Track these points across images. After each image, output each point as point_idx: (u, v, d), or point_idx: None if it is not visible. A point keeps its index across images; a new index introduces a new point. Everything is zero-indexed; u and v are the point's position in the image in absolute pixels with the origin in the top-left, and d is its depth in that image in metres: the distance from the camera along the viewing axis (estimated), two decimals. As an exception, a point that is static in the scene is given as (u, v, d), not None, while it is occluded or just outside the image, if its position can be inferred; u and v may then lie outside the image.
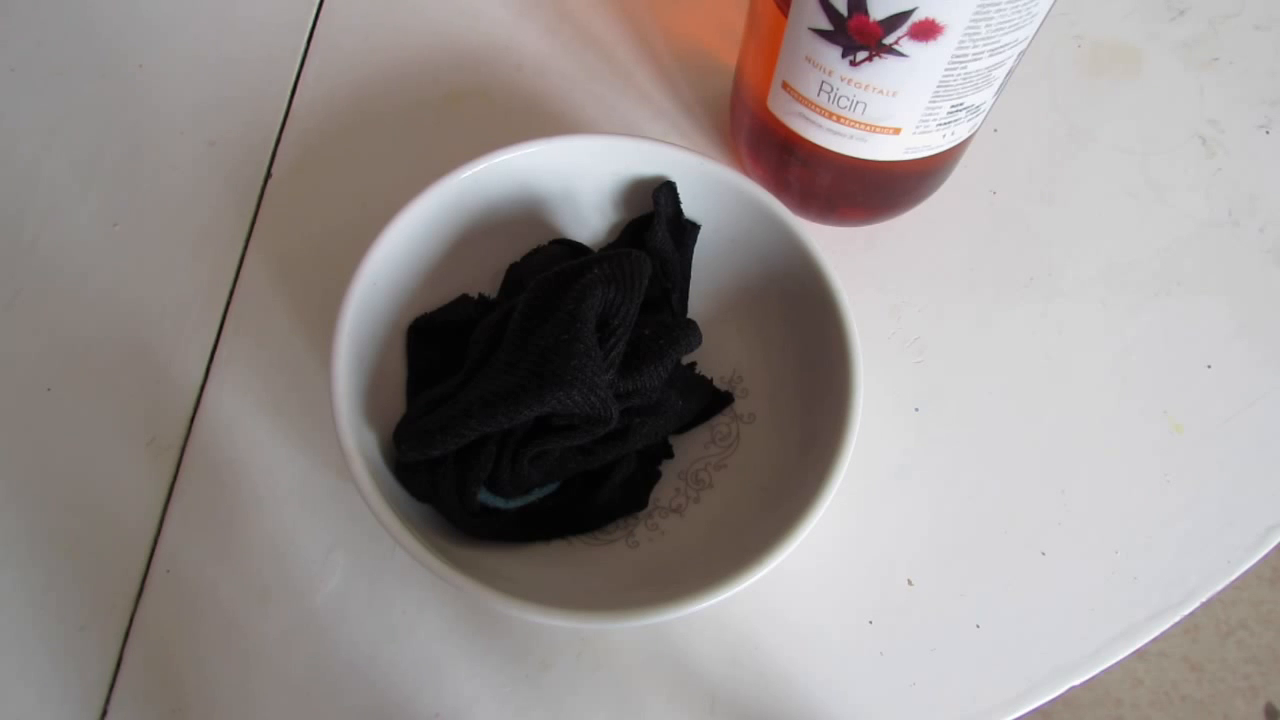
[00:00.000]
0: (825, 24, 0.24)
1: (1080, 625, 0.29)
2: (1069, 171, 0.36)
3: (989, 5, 0.22)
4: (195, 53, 0.38)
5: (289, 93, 0.37)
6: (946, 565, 0.30)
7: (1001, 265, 0.35)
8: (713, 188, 0.30)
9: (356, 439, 0.25)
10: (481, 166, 0.28)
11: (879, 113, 0.26)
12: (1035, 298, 0.34)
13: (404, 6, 0.39)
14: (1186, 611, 0.30)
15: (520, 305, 0.27)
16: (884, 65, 0.25)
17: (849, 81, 0.26)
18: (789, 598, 0.29)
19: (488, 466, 0.26)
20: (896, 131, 0.27)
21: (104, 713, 0.28)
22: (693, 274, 0.31)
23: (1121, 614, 0.30)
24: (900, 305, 0.34)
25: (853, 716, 0.28)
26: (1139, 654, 0.45)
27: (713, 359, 0.31)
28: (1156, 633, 0.29)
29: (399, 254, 0.28)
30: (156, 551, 0.30)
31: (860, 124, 0.27)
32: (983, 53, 0.24)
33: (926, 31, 0.23)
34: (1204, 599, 0.30)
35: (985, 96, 0.27)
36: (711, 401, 0.30)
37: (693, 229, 0.31)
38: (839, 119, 0.27)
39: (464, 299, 0.30)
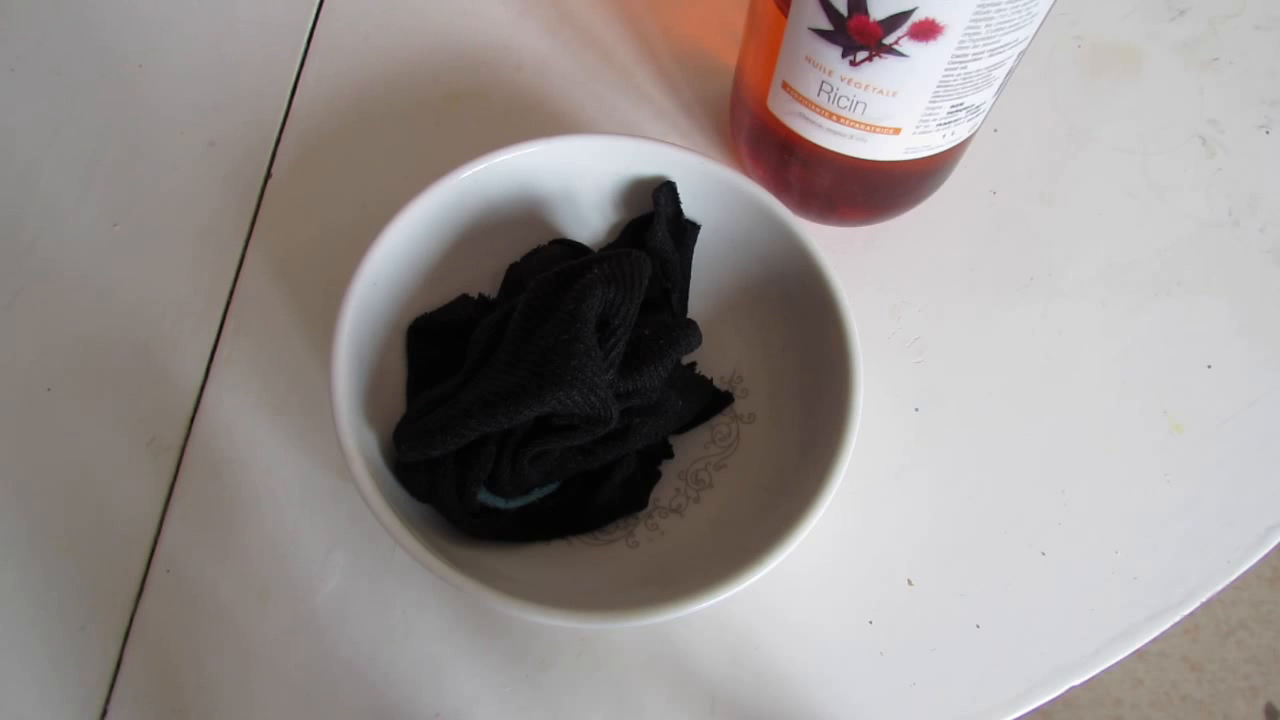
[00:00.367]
0: (825, 24, 0.24)
1: (1080, 625, 0.29)
2: (1069, 171, 0.36)
3: (989, 5, 0.22)
4: (195, 53, 0.38)
5: (289, 93, 0.37)
6: (946, 565, 0.30)
7: (1001, 265, 0.35)
8: (713, 188, 0.30)
9: (356, 439, 0.25)
10: (481, 166, 0.28)
11: (879, 113, 0.26)
12: (1035, 298, 0.34)
13: (404, 7, 0.39)
14: (1186, 611, 0.30)
15: (520, 305, 0.27)
16: (884, 65, 0.25)
17: (849, 81, 0.26)
18: (789, 598, 0.29)
19: (488, 466, 0.26)
20: (896, 131, 0.27)
21: (104, 713, 0.28)
22: (693, 274, 0.31)
23: (1121, 614, 0.30)
24: (900, 305, 0.34)
25: (853, 716, 0.28)
26: (1139, 654, 0.45)
27: (713, 359, 0.31)
28: (1156, 633, 0.29)
29: (399, 254, 0.28)
30: (156, 551, 0.30)
31: (860, 124, 0.27)
32: (983, 53, 0.24)
33: (926, 31, 0.23)
34: (1204, 599, 0.30)
35: (985, 96, 0.27)
36: (711, 401, 0.30)
37: (693, 229, 0.31)
38: (839, 119, 0.27)
39: (464, 299, 0.30)
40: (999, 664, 0.29)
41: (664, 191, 0.29)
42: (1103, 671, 0.29)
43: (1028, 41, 0.25)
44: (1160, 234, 0.35)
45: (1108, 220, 0.36)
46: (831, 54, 0.25)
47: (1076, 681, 0.29)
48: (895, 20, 0.23)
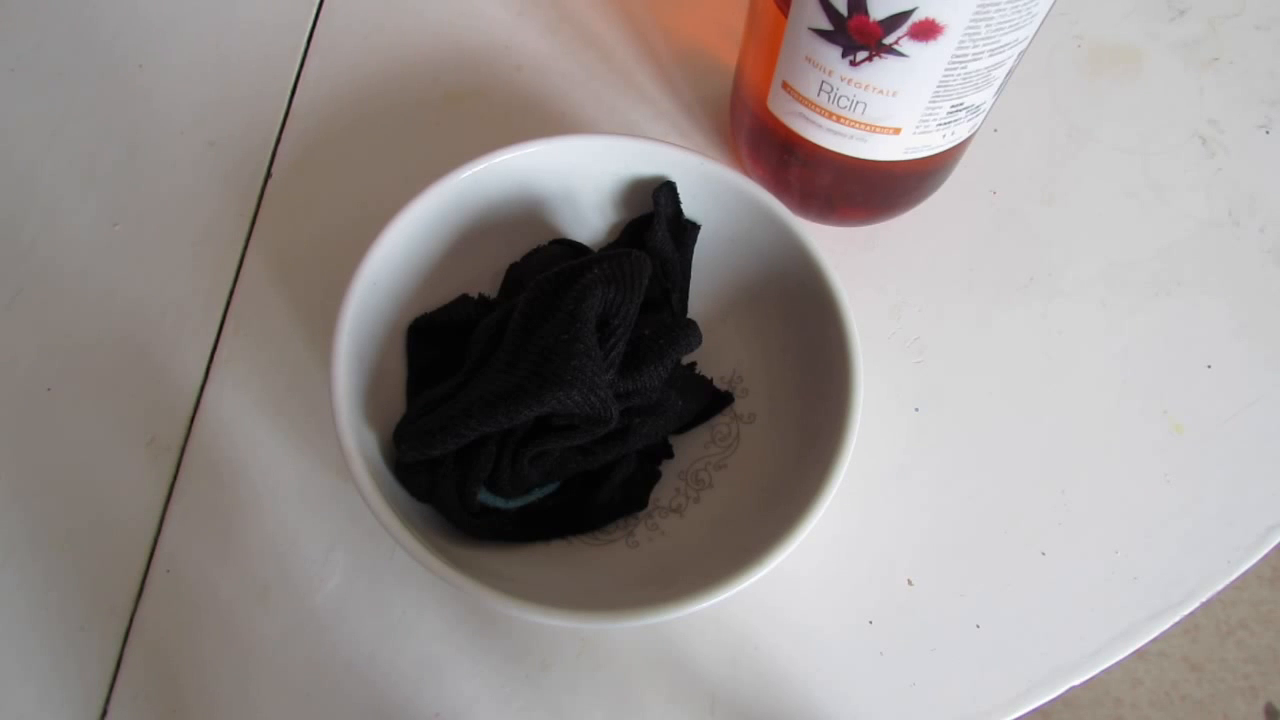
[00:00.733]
0: (825, 24, 0.24)
1: (1080, 625, 0.29)
2: (1069, 171, 0.36)
3: (989, 5, 0.22)
4: (195, 53, 0.38)
5: (289, 93, 0.37)
6: (946, 565, 0.30)
7: (1001, 265, 0.35)
8: (713, 188, 0.30)
9: (356, 439, 0.25)
10: (481, 166, 0.28)
11: (879, 113, 0.26)
12: (1035, 298, 0.34)
13: (404, 7, 0.39)
14: (1186, 611, 0.30)
15: (520, 305, 0.27)
16: (884, 65, 0.25)
17: (849, 81, 0.26)
18: (789, 598, 0.29)
19: (488, 466, 0.26)
20: (896, 131, 0.27)
21: (104, 713, 0.28)
22: (693, 274, 0.31)
23: (1121, 614, 0.30)
24: (900, 305, 0.34)
25: (853, 716, 0.28)
26: (1139, 654, 0.45)
27: (713, 359, 0.31)
28: (1156, 633, 0.29)
29: (399, 254, 0.28)
30: (156, 551, 0.30)
31: (860, 124, 0.27)
32: (983, 53, 0.24)
33: (926, 31, 0.23)
34: (1204, 599, 0.30)
35: (985, 96, 0.27)
36: (711, 401, 0.30)
37: (693, 229, 0.31)
38: (839, 119, 0.27)
39: (464, 299, 0.30)
40: (999, 664, 0.29)
41: (664, 191, 0.29)
42: (1103, 671, 0.29)
43: (1028, 41, 0.25)
44: (1160, 234, 0.35)
45: (1108, 220, 0.36)
46: (831, 54, 0.25)
47: (1076, 681, 0.29)
48: (895, 20, 0.23)
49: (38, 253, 0.34)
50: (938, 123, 0.27)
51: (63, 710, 0.28)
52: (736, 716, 0.28)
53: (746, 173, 0.31)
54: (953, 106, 0.26)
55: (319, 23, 0.38)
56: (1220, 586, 0.30)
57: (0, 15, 0.38)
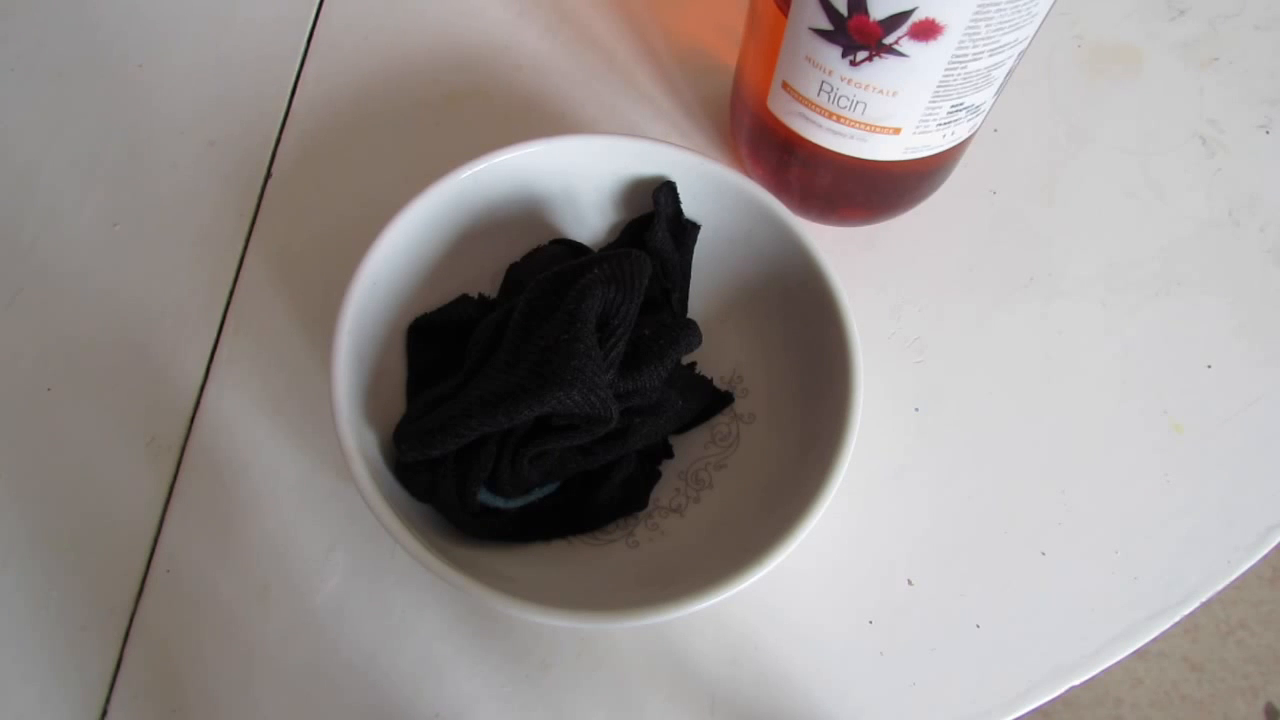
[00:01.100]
0: (825, 24, 0.24)
1: (1080, 625, 0.29)
2: (1069, 171, 0.36)
3: (989, 5, 0.22)
4: (195, 53, 0.38)
5: (289, 93, 0.37)
6: (946, 565, 0.30)
7: (1001, 265, 0.35)
8: (713, 188, 0.30)
9: (356, 439, 0.25)
10: (481, 166, 0.28)
11: (879, 113, 0.26)
12: (1035, 298, 0.34)
13: (404, 6, 0.39)
14: (1186, 611, 0.30)
15: (520, 305, 0.27)
16: (884, 65, 0.25)
17: (849, 81, 0.26)
18: (789, 598, 0.29)
19: (488, 466, 0.26)
20: (896, 131, 0.27)
21: (104, 713, 0.28)
22: (693, 274, 0.31)
23: (1121, 614, 0.29)
24: (900, 305, 0.34)
25: (853, 716, 0.28)
26: (1139, 654, 0.45)
27: (713, 359, 0.31)
28: (1156, 633, 0.29)
29: (399, 254, 0.28)
30: (156, 551, 0.30)
31: (860, 124, 0.27)
32: (983, 53, 0.24)
33: (926, 31, 0.23)
34: (1204, 599, 0.30)
35: (985, 96, 0.27)
36: (711, 401, 0.30)
37: (693, 229, 0.31)
38: (839, 119, 0.27)
39: (464, 299, 0.30)
40: (999, 664, 0.29)
41: (664, 191, 0.29)
42: (1103, 671, 0.29)
43: (1028, 41, 0.25)
44: (1160, 234, 0.35)
45: (1108, 220, 0.36)
46: (831, 54, 0.25)
47: (1076, 681, 0.29)
48: (895, 20, 0.23)
49: (38, 253, 0.34)
50: (938, 123, 0.27)
51: (63, 710, 0.28)
52: (736, 716, 0.28)
53: (746, 173, 0.31)
54: (953, 106, 0.26)
55: (319, 23, 0.38)
56: (1220, 586, 0.30)
57: (0, 15, 0.38)
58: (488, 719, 0.28)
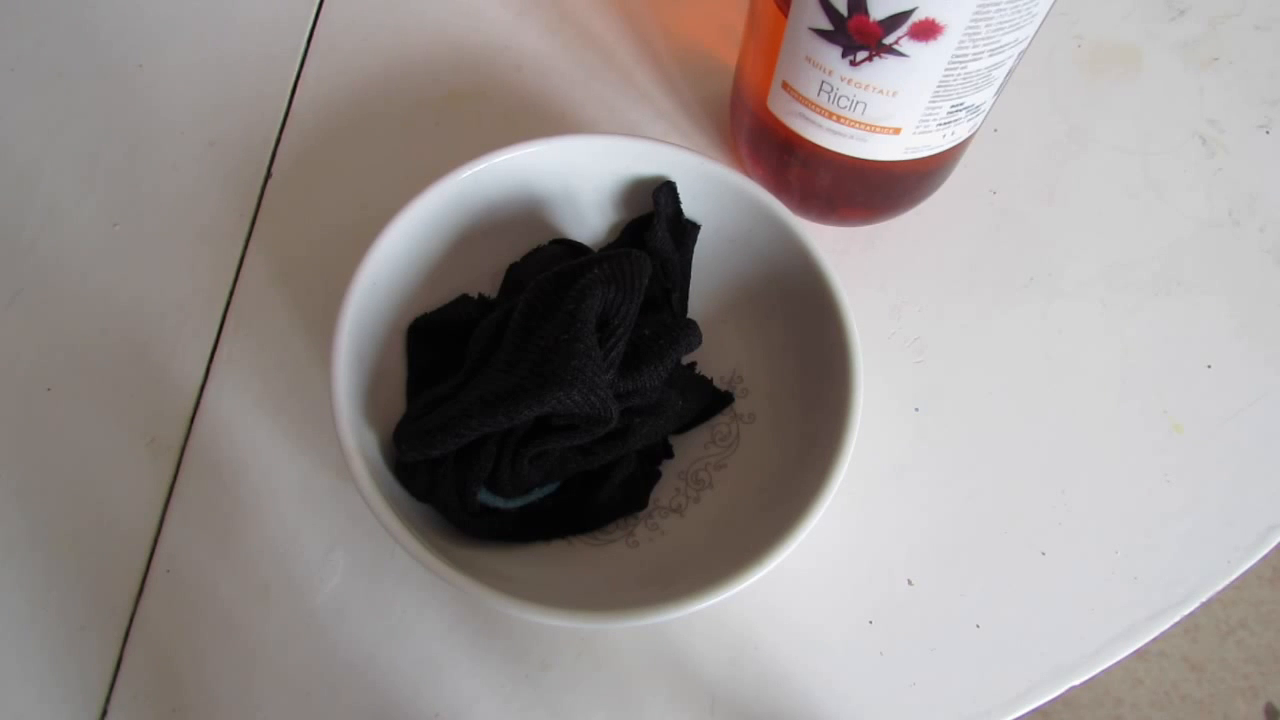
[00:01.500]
0: (825, 24, 0.24)
1: (1080, 625, 0.29)
2: (1069, 171, 0.36)
3: (989, 5, 0.22)
4: (195, 53, 0.38)
5: (289, 93, 0.37)
6: (946, 565, 0.30)
7: (1001, 265, 0.35)
8: (713, 188, 0.30)
9: (356, 439, 0.25)
10: (481, 166, 0.28)
11: (879, 113, 0.26)
12: (1035, 298, 0.34)
13: (404, 7, 0.39)
14: (1186, 611, 0.30)
15: (520, 305, 0.27)
16: (884, 65, 0.25)
17: (849, 81, 0.26)
18: (789, 598, 0.29)
19: (488, 466, 0.26)
20: (896, 131, 0.27)
21: (104, 713, 0.28)
22: (693, 274, 0.31)
23: (1121, 614, 0.30)
24: (900, 305, 0.34)
25: (853, 716, 0.28)
26: (1139, 654, 0.45)
27: (713, 359, 0.31)
28: (1156, 633, 0.29)
29: (399, 254, 0.28)
30: (156, 551, 0.30)
31: (860, 124, 0.27)
32: (983, 53, 0.24)
33: (926, 31, 0.23)
34: (1204, 599, 0.30)
35: (985, 96, 0.27)
36: (711, 401, 0.30)
37: (693, 229, 0.31)
38: (839, 119, 0.27)
39: (464, 299, 0.30)
40: (999, 664, 0.29)
41: (664, 191, 0.29)
42: (1103, 671, 0.29)
43: (1028, 41, 0.25)
44: (1160, 234, 0.35)
45: (1108, 220, 0.36)
46: (831, 54, 0.25)
47: (1076, 681, 0.29)
48: (895, 20, 0.23)
49: (38, 253, 0.34)
50: (938, 123, 0.27)
51: (63, 710, 0.28)
52: (736, 716, 0.28)
53: (746, 173, 0.31)
54: (953, 106, 0.26)
55: (319, 23, 0.38)
56: (1220, 586, 0.30)
57: (0, 15, 0.38)
58: (487, 719, 0.28)
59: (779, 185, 0.32)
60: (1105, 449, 0.32)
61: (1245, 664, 0.93)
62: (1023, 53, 0.26)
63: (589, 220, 0.32)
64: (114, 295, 0.33)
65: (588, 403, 0.25)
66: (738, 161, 0.35)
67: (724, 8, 0.39)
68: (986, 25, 0.23)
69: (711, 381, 0.31)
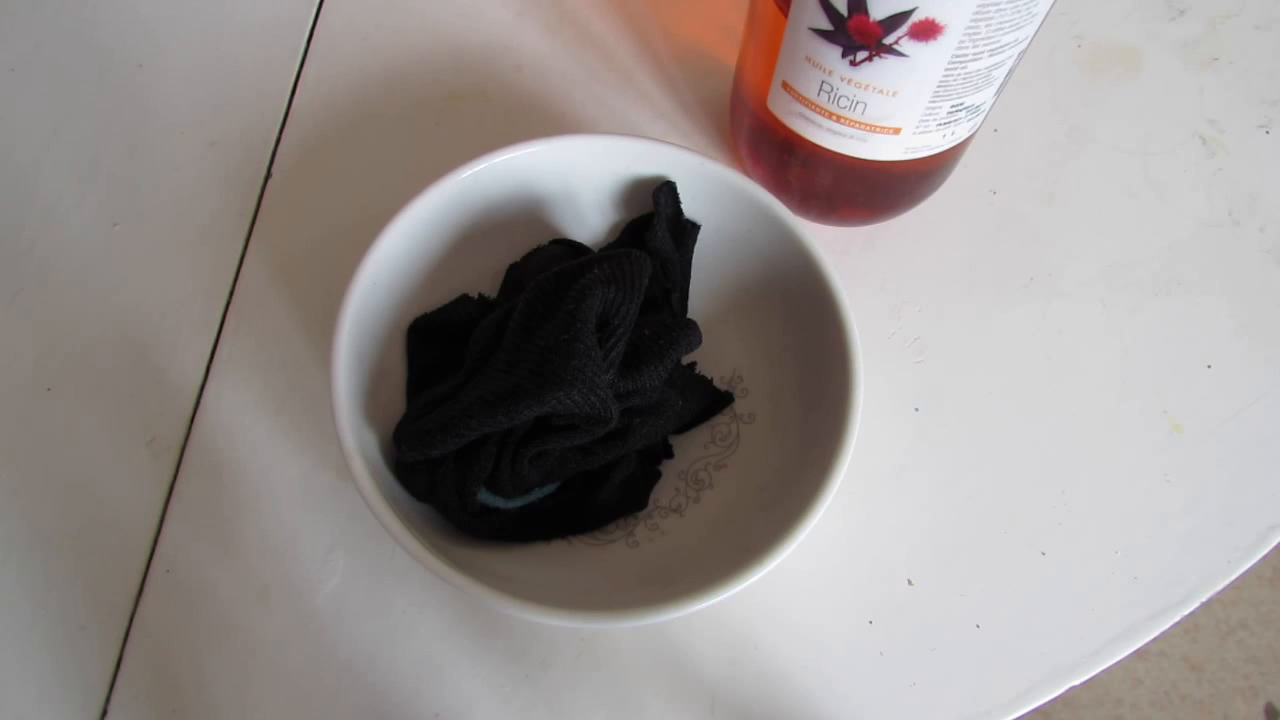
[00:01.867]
0: (825, 24, 0.24)
1: (1080, 625, 0.29)
2: (1069, 171, 0.36)
3: (989, 5, 0.22)
4: (195, 53, 0.38)
5: (289, 93, 0.37)
6: (946, 565, 0.30)
7: (1001, 265, 0.35)
8: (713, 188, 0.30)
9: (356, 439, 0.25)
10: (481, 166, 0.28)
11: (879, 113, 0.26)
12: (1035, 298, 0.34)
13: (404, 7, 0.39)
14: (1186, 611, 0.30)
15: (520, 305, 0.27)
16: (884, 65, 0.25)
17: (849, 81, 0.26)
18: (789, 598, 0.29)
19: (488, 466, 0.26)
20: (896, 131, 0.27)
21: (104, 713, 0.28)
22: (693, 274, 0.31)
23: (1121, 614, 0.30)
24: (900, 305, 0.34)
25: (853, 716, 0.28)
26: (1139, 654, 0.45)
27: (713, 359, 0.31)
28: (1156, 633, 0.29)
29: (399, 254, 0.28)
30: (156, 551, 0.30)
31: (860, 124, 0.27)
32: (983, 53, 0.24)
33: (926, 31, 0.23)
34: (1204, 599, 0.30)
35: (985, 96, 0.27)
36: (711, 401, 0.30)
37: (693, 229, 0.31)
38: (839, 119, 0.27)
39: (464, 299, 0.30)
40: (999, 664, 0.29)
41: (664, 191, 0.29)
42: (1103, 671, 0.29)
43: (1028, 41, 0.25)
44: (1160, 234, 0.35)
45: (1108, 220, 0.36)
46: (831, 54, 0.25)
47: (1076, 681, 0.29)
48: (895, 20, 0.23)
49: (38, 253, 0.34)
50: (938, 123, 0.27)
51: (63, 710, 0.28)
52: (736, 716, 0.28)
53: (746, 173, 0.31)
54: (953, 106, 0.26)
55: (319, 23, 0.38)
56: (1220, 586, 0.30)
57: (0, 15, 0.38)
58: (488, 719, 0.28)
59: (779, 185, 0.32)
60: (1105, 449, 0.32)
61: (1245, 664, 0.93)
62: (1023, 53, 0.26)
63: (589, 220, 0.32)
64: (114, 295, 0.33)
65: (588, 403, 0.25)
66: (738, 161, 0.35)
67: (724, 8, 0.39)
68: (986, 25, 0.23)
69: (711, 381, 0.31)
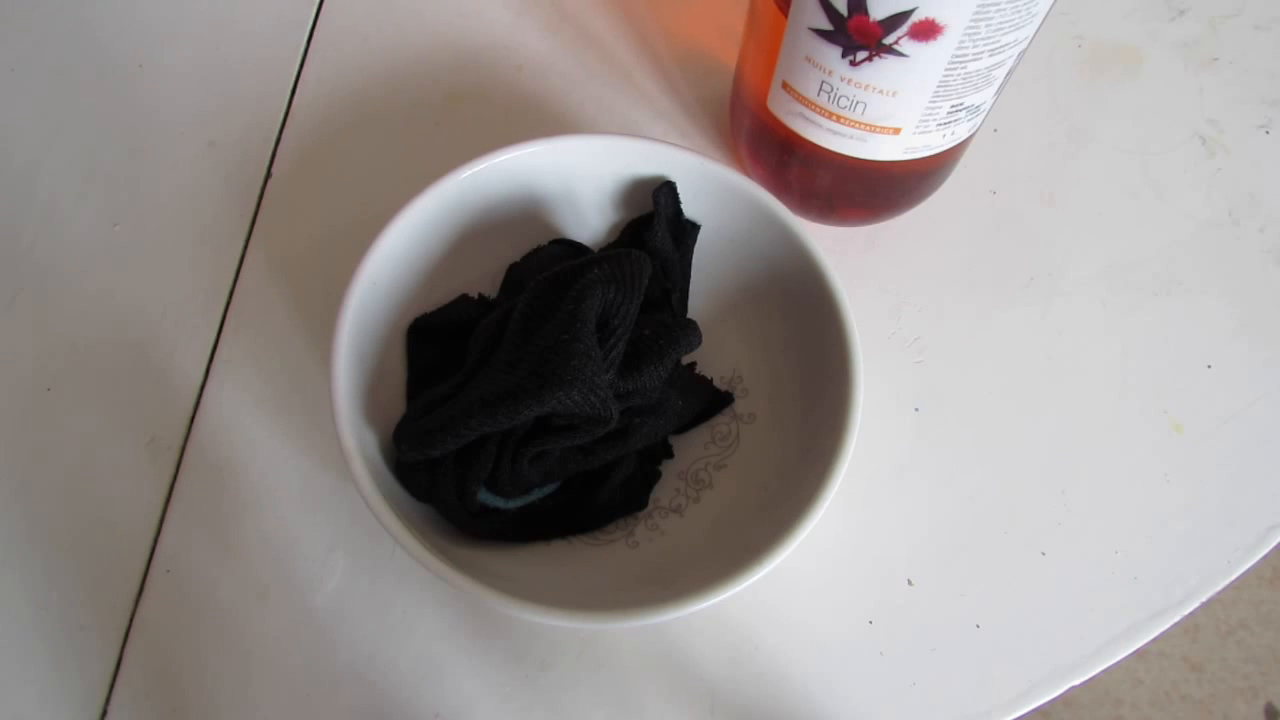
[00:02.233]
0: (825, 24, 0.24)
1: (1080, 625, 0.29)
2: (1069, 171, 0.36)
3: (989, 5, 0.22)
4: (195, 53, 0.38)
5: (289, 93, 0.37)
6: (946, 565, 0.30)
7: (1001, 265, 0.35)
8: (713, 188, 0.30)
9: (356, 439, 0.25)
10: (481, 166, 0.28)
11: (879, 113, 0.26)
12: (1035, 298, 0.34)
13: (404, 7, 0.39)
14: (1186, 611, 0.30)
15: (520, 305, 0.27)
16: (884, 65, 0.25)
17: (849, 81, 0.26)
18: (789, 598, 0.29)
19: (488, 466, 0.26)
20: (896, 131, 0.27)
21: (104, 713, 0.28)
22: (693, 274, 0.31)
23: (1121, 614, 0.30)
24: (900, 305, 0.34)
25: (853, 716, 0.28)
26: (1139, 654, 0.45)
27: (713, 359, 0.31)
28: (1156, 633, 0.29)
29: (399, 254, 0.28)
30: (156, 551, 0.30)
31: (860, 124, 0.27)
32: (983, 53, 0.24)
33: (926, 31, 0.23)
34: (1204, 599, 0.30)
35: (985, 96, 0.27)
36: (711, 401, 0.30)
37: (693, 229, 0.31)
38: (839, 119, 0.27)
39: (464, 299, 0.30)
40: (999, 664, 0.29)
41: (664, 191, 0.29)
42: (1103, 671, 0.29)
43: (1028, 41, 0.25)
44: (1160, 234, 0.35)
45: (1108, 220, 0.36)
46: (831, 54, 0.25)
47: (1076, 681, 0.29)
48: (895, 20, 0.23)
49: (38, 253, 0.34)
50: (938, 123, 0.27)
51: (63, 710, 0.28)
52: (736, 716, 0.28)
53: (746, 173, 0.31)
54: (953, 106, 0.26)
55: (319, 23, 0.38)
56: (1220, 586, 0.30)
57: (0, 15, 0.38)
58: (487, 719, 0.28)
59: (779, 185, 0.32)
60: (1105, 449, 0.32)
61: (1245, 664, 0.93)
62: (1023, 53, 0.26)
63: (589, 220, 0.32)
64: (114, 295, 0.33)
65: (588, 403, 0.25)
66: (738, 161, 0.35)
67: (724, 8, 0.39)
68: (986, 25, 0.23)
69: (711, 381, 0.31)
